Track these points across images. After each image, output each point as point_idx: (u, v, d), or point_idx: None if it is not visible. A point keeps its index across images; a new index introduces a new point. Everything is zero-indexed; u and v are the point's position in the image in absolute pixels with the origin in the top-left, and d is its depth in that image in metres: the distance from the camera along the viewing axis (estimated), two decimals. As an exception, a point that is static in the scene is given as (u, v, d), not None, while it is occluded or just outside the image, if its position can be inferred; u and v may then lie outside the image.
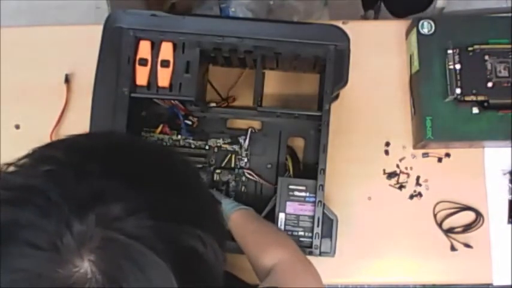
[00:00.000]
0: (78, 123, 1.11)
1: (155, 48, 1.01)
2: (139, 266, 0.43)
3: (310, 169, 1.11)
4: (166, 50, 1.01)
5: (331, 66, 1.02)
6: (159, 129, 1.13)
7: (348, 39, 1.03)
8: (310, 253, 1.02)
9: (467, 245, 1.14)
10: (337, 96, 1.13)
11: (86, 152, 0.49)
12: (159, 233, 0.45)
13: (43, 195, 0.44)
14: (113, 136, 0.58)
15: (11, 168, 0.49)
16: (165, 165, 0.54)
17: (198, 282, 0.49)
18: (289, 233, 1.04)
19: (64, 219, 0.43)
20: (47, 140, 1.13)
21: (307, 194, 1.04)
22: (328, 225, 1.03)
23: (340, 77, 1.03)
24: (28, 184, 0.45)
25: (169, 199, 0.49)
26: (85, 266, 0.42)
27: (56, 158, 0.47)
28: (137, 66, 1.00)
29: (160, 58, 1.01)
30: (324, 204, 1.02)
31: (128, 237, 0.43)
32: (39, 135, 1.18)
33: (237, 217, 1.00)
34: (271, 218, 1.04)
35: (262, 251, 0.91)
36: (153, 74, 1.01)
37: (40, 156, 0.49)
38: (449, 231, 1.15)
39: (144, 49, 1.01)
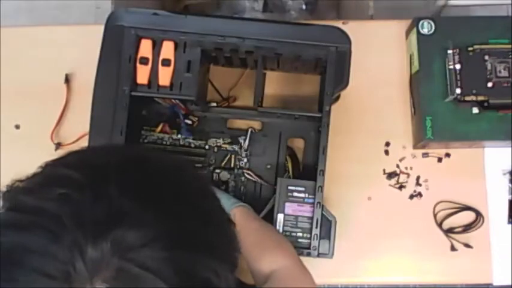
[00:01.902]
0: (78, 123, 1.12)
1: (156, 47, 1.01)
2: None
3: (309, 170, 1.11)
4: (168, 49, 1.01)
5: (332, 67, 1.03)
6: (159, 128, 1.14)
7: (349, 41, 1.03)
8: (308, 254, 1.02)
9: (467, 245, 1.14)
10: (337, 98, 1.12)
11: (101, 171, 0.48)
12: (174, 265, 0.44)
13: (57, 220, 0.43)
14: (127, 152, 0.56)
15: (22, 185, 0.48)
16: (182, 184, 0.52)
17: None
18: (288, 233, 1.04)
19: (77, 245, 0.42)
20: (47, 140, 1.14)
21: (306, 195, 1.04)
22: (326, 226, 1.03)
23: (341, 79, 1.03)
24: (41, 207, 0.44)
25: (186, 226, 0.48)
26: None
27: (71, 179, 0.46)
28: (138, 64, 1.00)
29: (161, 57, 1.00)
30: (322, 206, 1.02)
31: (142, 268, 0.42)
32: (39, 135, 1.18)
33: (235, 214, 1.00)
34: (270, 218, 1.04)
35: (261, 255, 0.91)
36: (154, 73, 1.01)
37: (54, 175, 0.48)
38: (449, 231, 1.15)
39: (145, 48, 1.01)
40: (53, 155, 1.16)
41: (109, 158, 0.51)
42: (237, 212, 1.00)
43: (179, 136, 1.15)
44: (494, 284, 1.14)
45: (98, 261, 0.41)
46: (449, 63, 1.09)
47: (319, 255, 1.02)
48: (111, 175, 0.47)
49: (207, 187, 0.57)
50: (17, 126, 1.20)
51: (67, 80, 1.20)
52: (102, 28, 1.03)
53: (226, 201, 1.03)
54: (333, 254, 1.03)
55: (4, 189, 0.48)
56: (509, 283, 1.13)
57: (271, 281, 0.85)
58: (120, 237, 0.42)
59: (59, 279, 0.41)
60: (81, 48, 1.20)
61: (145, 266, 0.42)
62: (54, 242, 0.42)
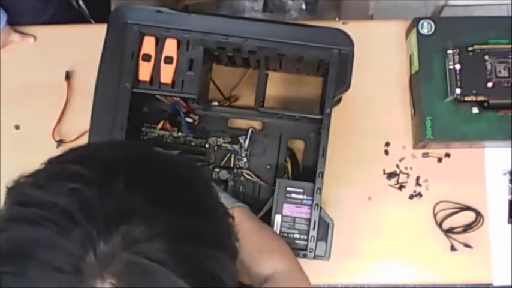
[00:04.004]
0: (80, 120, 1.12)
1: (159, 45, 1.01)
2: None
3: (309, 172, 1.11)
4: (171, 47, 1.01)
5: (334, 69, 1.03)
6: (160, 125, 1.13)
7: (352, 44, 1.03)
8: (305, 256, 1.02)
9: (467, 245, 1.14)
10: (339, 100, 1.13)
11: (109, 168, 0.48)
12: (181, 256, 0.45)
13: (67, 215, 0.43)
14: (133, 149, 0.56)
15: (30, 180, 0.48)
16: (188, 183, 0.53)
17: None
18: (285, 235, 1.03)
19: (89, 239, 0.42)
20: (47, 140, 1.13)
21: (305, 197, 1.04)
22: (324, 228, 1.03)
23: (343, 81, 1.03)
24: (52, 202, 0.44)
25: (191, 221, 0.48)
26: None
27: (80, 174, 0.46)
28: (141, 61, 1.00)
29: (164, 54, 1.01)
30: (320, 208, 1.02)
31: (150, 260, 0.43)
32: (39, 135, 1.18)
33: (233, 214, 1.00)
34: (268, 219, 1.04)
35: (260, 257, 0.91)
36: (156, 70, 1.01)
37: (62, 171, 0.48)
38: (449, 231, 1.15)
39: (148, 45, 1.01)
40: (53, 154, 1.16)
41: (116, 155, 0.52)
42: (235, 212, 1.00)
43: (180, 134, 1.14)
44: (494, 284, 1.14)
45: (108, 255, 0.42)
46: (449, 63, 1.09)
47: (315, 257, 1.02)
48: (119, 172, 0.47)
49: (210, 185, 0.57)
50: (17, 127, 1.20)
51: (67, 77, 1.19)
52: (102, 27, 1.03)
53: (225, 201, 1.03)
54: (329, 256, 1.03)
55: (10, 185, 0.48)
56: (509, 283, 1.13)
57: (270, 283, 0.85)
58: (128, 232, 0.43)
59: (69, 273, 0.42)
60: (81, 48, 1.20)
61: (153, 258, 0.43)
62: (65, 236, 0.42)
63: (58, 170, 0.48)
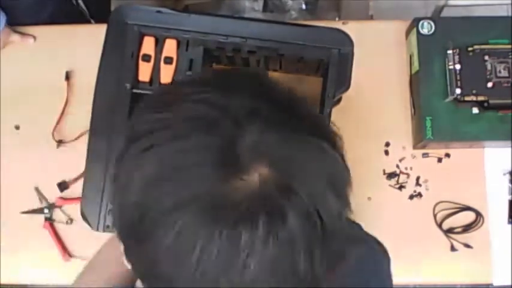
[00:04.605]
0: (79, 120, 1.12)
1: (159, 45, 1.01)
2: (311, 155, 0.49)
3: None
4: (170, 47, 1.01)
5: (333, 70, 1.02)
6: (160, 126, 1.12)
7: (352, 44, 1.02)
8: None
9: (467, 245, 1.14)
10: (339, 100, 1.12)
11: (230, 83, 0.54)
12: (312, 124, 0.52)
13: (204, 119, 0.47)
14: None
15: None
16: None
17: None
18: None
19: (233, 133, 0.46)
20: (47, 140, 1.13)
21: (305, 197, 1.03)
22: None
23: (343, 81, 1.02)
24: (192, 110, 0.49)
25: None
26: (263, 170, 0.45)
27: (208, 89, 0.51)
28: (140, 61, 1.00)
29: (163, 55, 1.01)
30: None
31: (293, 133, 0.49)
32: (39, 135, 1.18)
33: None
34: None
35: None
36: (155, 71, 1.01)
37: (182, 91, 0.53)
38: (449, 232, 1.15)
39: (148, 45, 1.01)
40: (52, 155, 1.15)
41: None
42: None
43: (180, 134, 1.14)
44: (494, 284, 1.14)
45: (254, 141, 0.46)
46: (449, 63, 1.09)
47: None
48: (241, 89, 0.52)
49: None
50: (17, 127, 1.20)
51: (67, 77, 1.19)
52: (102, 27, 1.03)
53: None
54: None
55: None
56: (509, 283, 1.13)
57: None
58: (264, 120, 0.48)
59: (223, 166, 0.45)
60: (81, 47, 1.20)
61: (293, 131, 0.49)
62: (210, 135, 0.46)
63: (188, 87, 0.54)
